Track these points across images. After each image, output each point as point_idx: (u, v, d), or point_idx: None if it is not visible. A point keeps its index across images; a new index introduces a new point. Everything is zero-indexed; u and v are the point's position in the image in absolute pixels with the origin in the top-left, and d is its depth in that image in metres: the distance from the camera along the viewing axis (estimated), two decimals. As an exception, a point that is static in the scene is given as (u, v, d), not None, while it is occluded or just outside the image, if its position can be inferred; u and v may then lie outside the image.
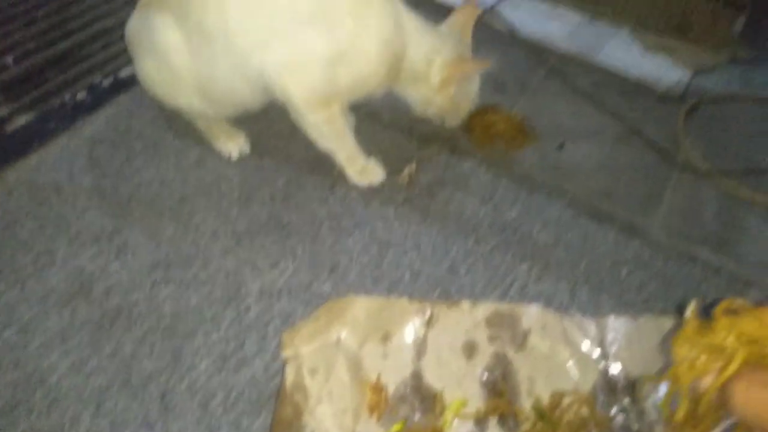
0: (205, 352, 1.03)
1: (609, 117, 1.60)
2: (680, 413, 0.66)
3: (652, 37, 1.87)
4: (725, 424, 0.65)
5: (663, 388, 0.99)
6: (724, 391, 0.58)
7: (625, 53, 1.82)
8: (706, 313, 0.66)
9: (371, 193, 1.35)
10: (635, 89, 1.72)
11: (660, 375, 0.98)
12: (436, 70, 1.24)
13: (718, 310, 0.60)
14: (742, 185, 1.42)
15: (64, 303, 1.09)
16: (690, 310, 0.65)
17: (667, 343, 0.74)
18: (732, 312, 0.60)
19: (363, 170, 1.36)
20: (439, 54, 1.24)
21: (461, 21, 1.31)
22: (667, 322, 1.08)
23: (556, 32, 1.88)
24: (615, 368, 1.03)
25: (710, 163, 1.47)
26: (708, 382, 0.61)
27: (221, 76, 1.19)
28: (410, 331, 1.05)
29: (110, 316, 1.07)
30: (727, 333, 0.59)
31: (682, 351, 0.63)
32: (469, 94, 1.34)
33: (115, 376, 1.00)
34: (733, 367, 0.58)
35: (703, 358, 0.61)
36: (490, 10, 1.91)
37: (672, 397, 0.70)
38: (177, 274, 1.14)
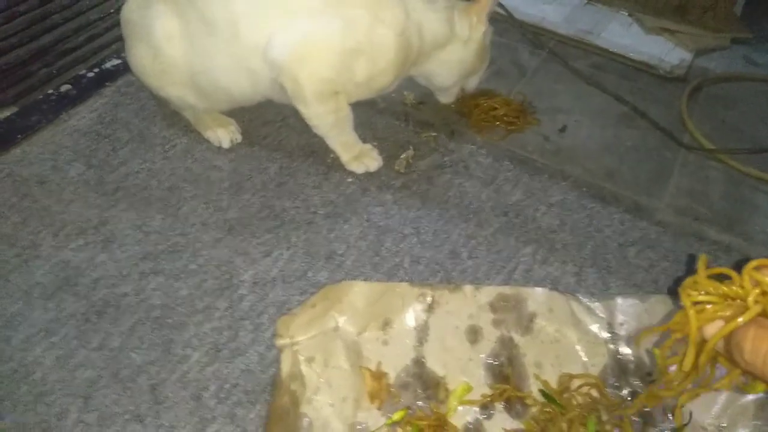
0: (197, 342, 0.99)
1: (611, 99, 1.56)
2: (688, 360, 0.61)
3: (652, 19, 1.83)
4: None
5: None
6: (732, 338, 0.54)
7: (625, 35, 1.78)
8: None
9: (368, 179, 1.30)
10: (636, 71, 1.68)
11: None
12: (460, 21, 1.24)
13: (748, 267, 0.55)
14: (749, 164, 1.37)
15: (50, 296, 1.04)
16: (701, 262, 0.60)
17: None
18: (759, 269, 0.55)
19: (359, 157, 1.31)
20: (453, 9, 1.24)
21: None
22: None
23: (553, 15, 1.84)
24: (625, 350, 0.99)
25: (715, 143, 1.43)
26: (715, 328, 0.56)
27: (221, 69, 1.15)
28: (411, 316, 1.01)
29: (97, 308, 1.03)
30: (746, 286, 0.55)
31: (691, 298, 0.59)
32: (488, 36, 1.32)
33: (103, 369, 0.95)
34: (749, 315, 0.53)
35: (714, 305, 0.57)
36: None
37: (673, 344, 0.65)
38: (166, 265, 1.10)
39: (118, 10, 1.26)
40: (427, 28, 1.19)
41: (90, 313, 1.02)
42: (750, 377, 0.59)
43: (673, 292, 1.10)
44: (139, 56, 1.21)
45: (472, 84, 1.41)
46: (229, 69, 1.15)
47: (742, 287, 0.56)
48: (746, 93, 1.63)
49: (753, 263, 0.55)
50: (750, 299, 0.54)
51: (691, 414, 0.88)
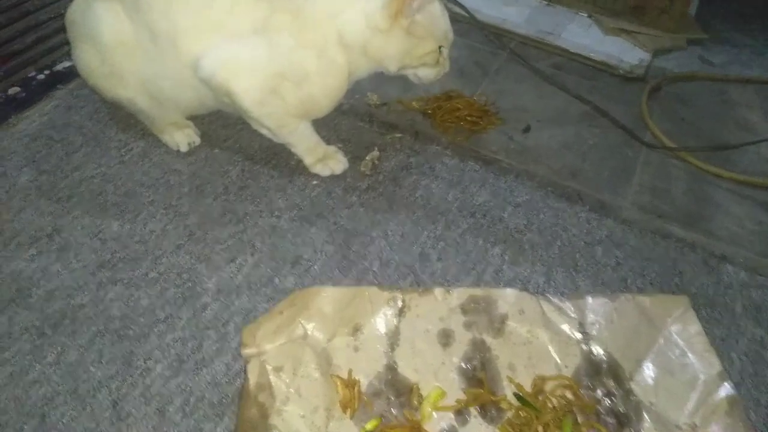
0: (160, 354, 0.94)
1: (572, 98, 1.57)
2: None
3: (610, 20, 1.85)
4: None
5: (647, 368, 0.97)
6: None
7: (585, 36, 1.79)
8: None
9: (333, 181, 1.28)
10: (597, 71, 1.70)
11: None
12: (381, 12, 1.08)
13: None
14: (709, 161, 1.40)
15: (1, 309, 0.98)
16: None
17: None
18: None
19: (324, 159, 1.29)
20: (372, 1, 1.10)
21: None
22: (645, 301, 1.05)
23: (515, 16, 1.85)
24: (597, 350, 0.99)
25: (675, 141, 1.45)
26: None
27: (167, 78, 1.13)
28: (381, 321, 0.99)
29: (52, 321, 0.97)
30: None
31: None
32: (438, 25, 1.15)
33: (60, 385, 0.90)
34: None
35: None
36: (446, -4, 1.87)
37: None
38: (125, 274, 1.05)
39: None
40: (347, 31, 1.10)
41: (45, 326, 0.97)
42: None
43: (642, 290, 1.12)
44: (86, 58, 1.16)
45: (426, 76, 1.22)
46: (173, 79, 1.13)
47: None
48: (703, 92, 1.67)
49: None
50: None
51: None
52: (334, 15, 1.09)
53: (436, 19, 1.14)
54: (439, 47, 1.16)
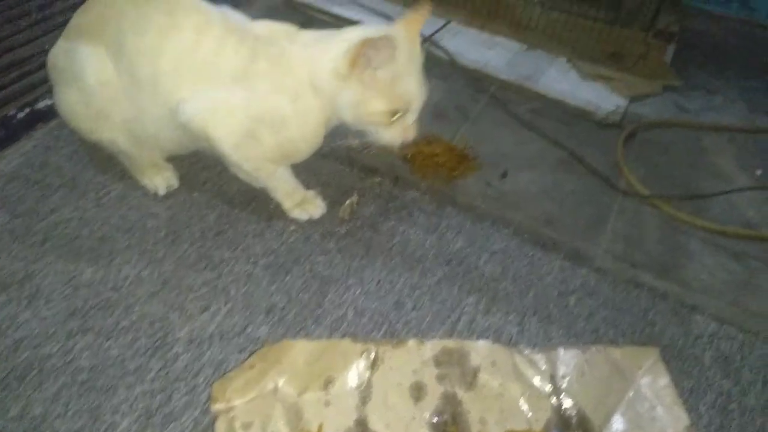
0: (128, 408, 0.93)
1: (550, 144, 1.60)
2: None
3: (588, 65, 1.89)
4: None
5: (616, 422, 0.97)
6: None
7: (563, 81, 1.83)
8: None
9: (311, 226, 1.28)
10: (574, 116, 1.73)
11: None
12: (341, 60, 1.06)
13: None
14: (683, 210, 1.42)
15: (-35, 360, 0.97)
16: None
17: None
18: None
19: (302, 203, 1.29)
20: (345, 43, 1.07)
21: (407, 27, 1.12)
22: (616, 353, 1.06)
23: (495, 61, 1.88)
24: (567, 403, 0.99)
25: (650, 188, 1.47)
26: None
27: (150, 119, 1.14)
28: (354, 374, 0.99)
29: (18, 372, 0.96)
30: None
31: None
32: (398, 87, 1.09)
33: (22, 441, 0.89)
34: None
35: None
36: (428, 39, 1.90)
37: None
38: (96, 323, 1.04)
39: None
40: (317, 76, 1.10)
41: (10, 378, 0.95)
42: None
43: (613, 341, 1.12)
44: (69, 101, 1.16)
45: (380, 138, 1.15)
46: (155, 120, 1.14)
47: None
48: (677, 138, 1.70)
49: None
50: None
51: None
52: (308, 61, 1.11)
53: (399, 82, 1.08)
54: (398, 112, 1.11)
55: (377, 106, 1.08)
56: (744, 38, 2.23)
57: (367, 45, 1.02)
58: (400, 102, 1.10)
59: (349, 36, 1.09)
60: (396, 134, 1.14)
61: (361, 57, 1.04)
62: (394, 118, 1.11)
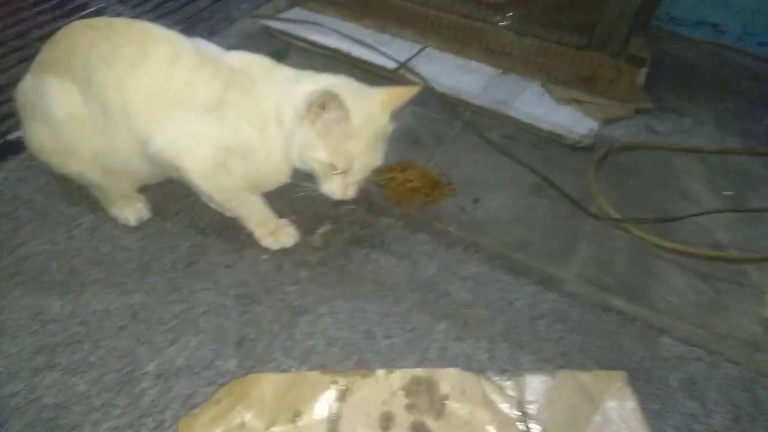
0: (93, 446, 0.93)
1: (523, 168, 1.61)
2: None
3: (562, 89, 1.92)
4: None
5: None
6: None
7: (538, 105, 1.85)
8: None
9: (284, 255, 1.29)
10: (548, 140, 1.75)
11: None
12: (302, 102, 1.08)
13: None
14: (653, 233, 1.44)
15: (-72, 399, 0.96)
16: None
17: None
18: None
19: (274, 232, 1.30)
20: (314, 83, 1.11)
21: (384, 98, 1.14)
22: (584, 377, 1.06)
23: (470, 86, 1.90)
24: (535, 429, 1.00)
25: (621, 211, 1.49)
26: None
27: (120, 150, 1.15)
28: (323, 406, 0.98)
29: (-18, 411, 0.96)
30: None
31: None
32: (343, 144, 1.09)
33: (-17, 482, 0.88)
34: None
35: None
36: (404, 65, 1.93)
37: None
38: (63, 359, 1.04)
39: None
40: (281, 111, 1.12)
41: (-27, 418, 0.95)
42: None
43: (581, 365, 1.13)
44: (38, 135, 1.17)
45: (322, 186, 1.18)
46: (125, 152, 1.15)
47: None
48: (648, 161, 1.72)
49: None
50: None
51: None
52: (277, 95, 1.13)
53: (347, 141, 1.09)
54: (334, 167, 1.12)
55: (319, 154, 1.11)
56: (714, 61, 2.27)
57: (323, 96, 1.05)
58: (341, 159, 1.11)
59: (322, 82, 1.11)
60: (335, 188, 1.16)
61: (315, 105, 1.07)
62: (335, 172, 1.13)
